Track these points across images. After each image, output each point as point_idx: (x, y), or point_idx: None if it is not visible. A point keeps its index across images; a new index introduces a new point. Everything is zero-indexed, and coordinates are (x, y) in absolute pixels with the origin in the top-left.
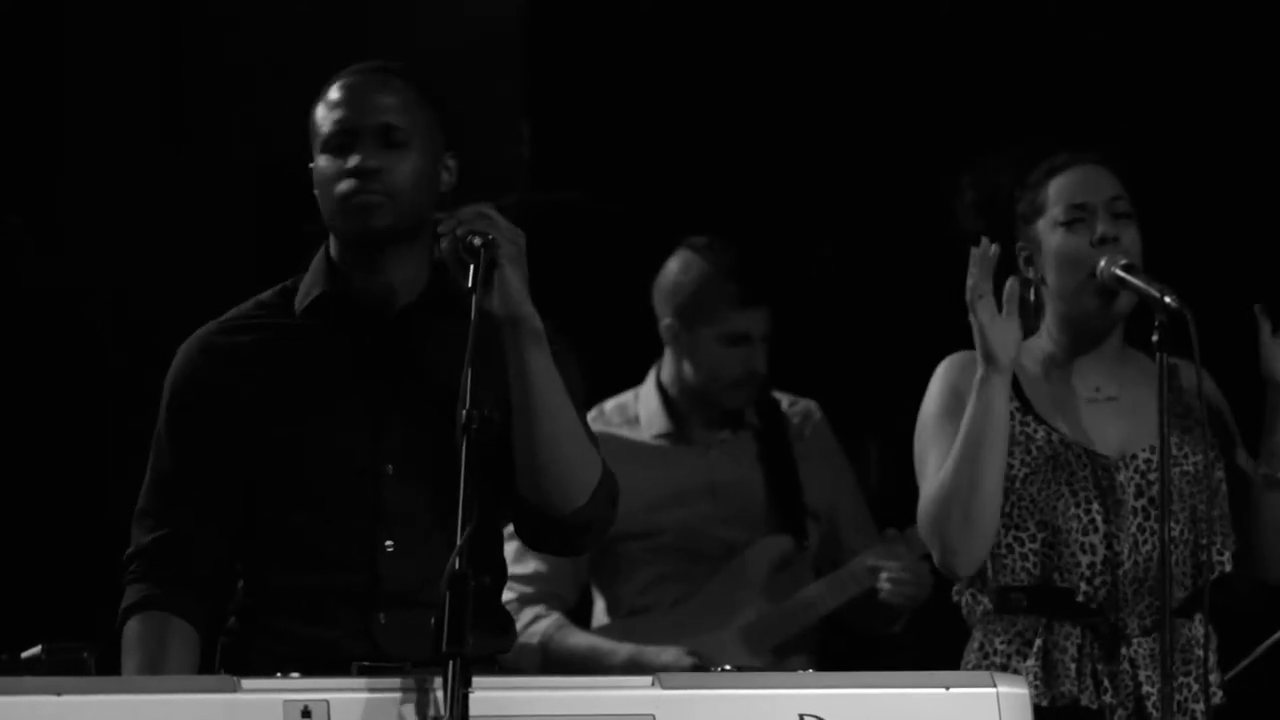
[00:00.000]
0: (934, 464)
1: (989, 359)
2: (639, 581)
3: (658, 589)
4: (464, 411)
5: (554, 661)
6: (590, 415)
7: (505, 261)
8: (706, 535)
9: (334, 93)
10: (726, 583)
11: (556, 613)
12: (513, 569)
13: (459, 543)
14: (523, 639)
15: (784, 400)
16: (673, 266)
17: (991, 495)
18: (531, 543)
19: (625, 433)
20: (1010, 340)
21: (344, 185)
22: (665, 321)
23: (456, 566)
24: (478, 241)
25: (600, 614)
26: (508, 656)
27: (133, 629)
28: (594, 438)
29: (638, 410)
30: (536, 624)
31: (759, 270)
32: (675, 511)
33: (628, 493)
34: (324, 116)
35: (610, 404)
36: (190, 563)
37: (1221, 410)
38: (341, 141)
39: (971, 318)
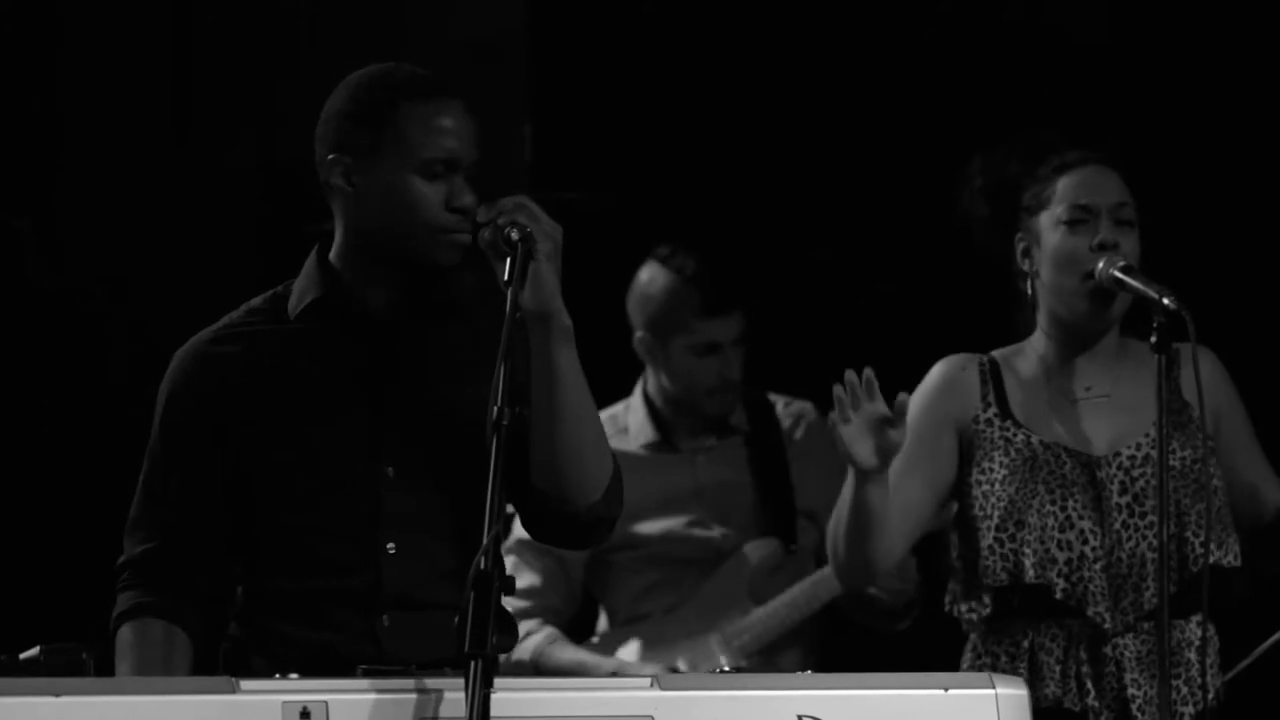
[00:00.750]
0: (895, 473)
1: (853, 467)
2: (632, 590)
3: (650, 597)
4: (495, 408)
5: (545, 676)
6: None
7: (541, 256)
8: (694, 542)
9: (442, 114)
10: (717, 588)
11: (549, 627)
12: None
13: (485, 542)
14: (515, 655)
15: (779, 402)
16: (641, 278)
17: (872, 553)
18: (540, 536)
19: (615, 443)
20: (869, 448)
21: (444, 219)
22: (638, 334)
23: (482, 566)
24: (516, 235)
25: (604, 623)
26: (501, 672)
27: (124, 636)
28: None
29: (628, 421)
30: (528, 640)
31: (724, 277)
32: (663, 520)
33: None
34: (429, 136)
35: (603, 415)
36: (182, 570)
37: (1223, 405)
38: (442, 170)
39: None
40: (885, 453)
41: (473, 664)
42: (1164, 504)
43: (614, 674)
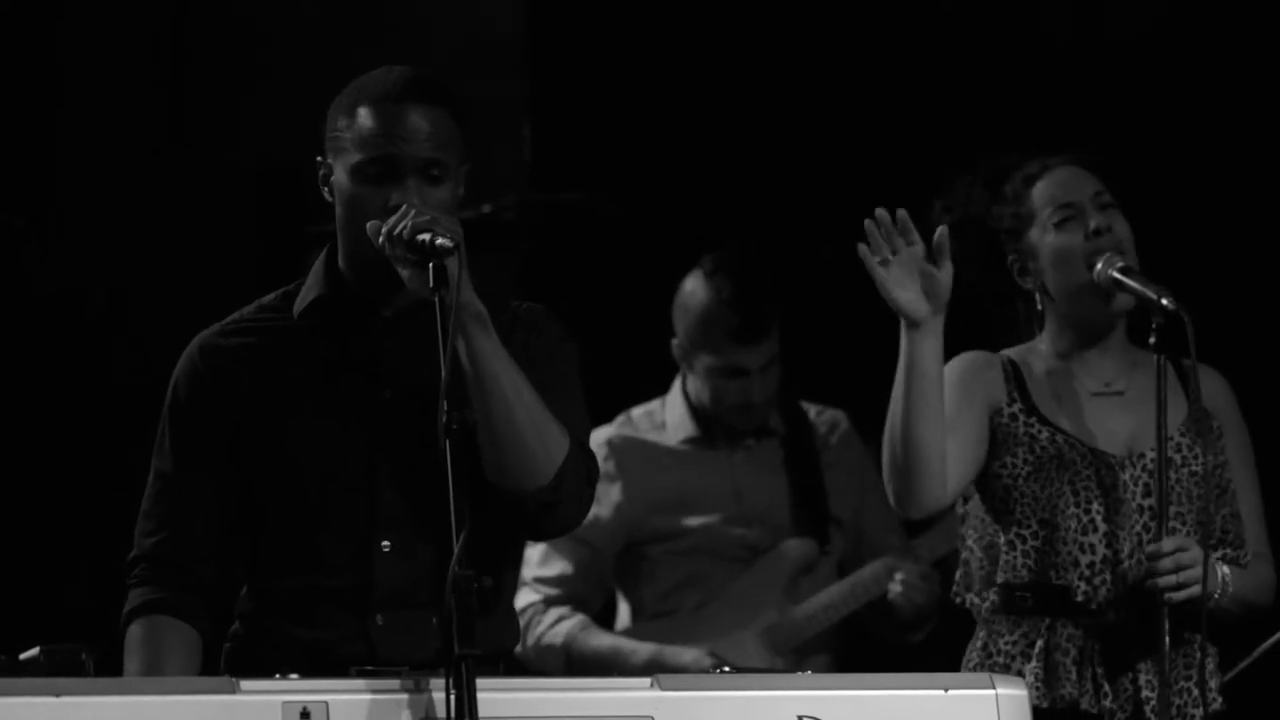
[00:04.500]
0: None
1: (902, 317)
2: (663, 584)
3: (681, 592)
4: (443, 413)
5: (577, 662)
6: (617, 421)
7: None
8: (730, 538)
9: (371, 115)
10: (749, 585)
11: (581, 615)
12: (538, 571)
13: (456, 546)
14: (546, 640)
15: (811, 410)
16: (685, 288)
17: (927, 444)
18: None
19: (652, 437)
20: (915, 293)
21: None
22: (674, 340)
23: (458, 569)
24: (441, 242)
25: (624, 618)
26: (531, 658)
27: (134, 633)
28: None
29: (664, 417)
30: (560, 625)
31: (758, 304)
32: (699, 515)
33: (653, 496)
34: (358, 137)
35: (638, 411)
36: (192, 565)
37: (1225, 425)
38: (379, 171)
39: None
40: (934, 296)
41: (462, 665)
42: (1162, 497)
43: (651, 659)
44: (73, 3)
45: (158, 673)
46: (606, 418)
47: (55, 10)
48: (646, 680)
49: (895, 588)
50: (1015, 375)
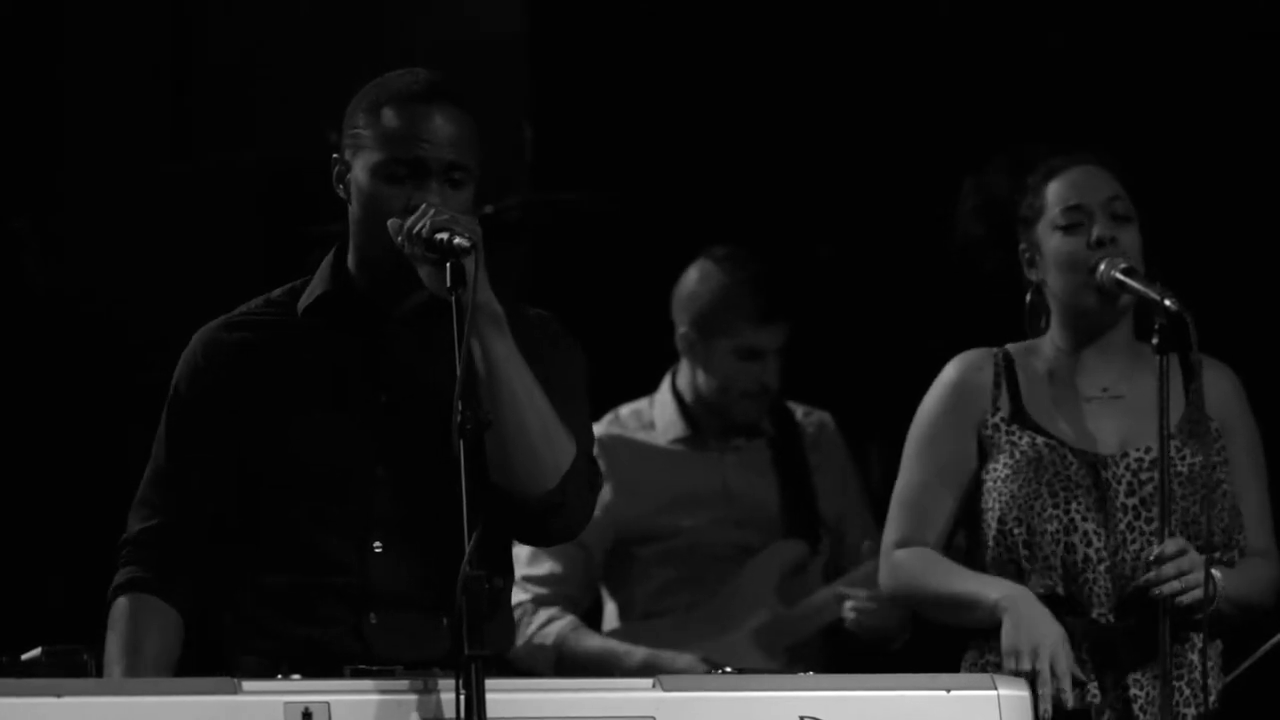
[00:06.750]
0: (913, 474)
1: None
2: (653, 585)
3: (672, 593)
4: (458, 413)
5: (568, 663)
6: (605, 420)
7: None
8: (720, 539)
9: (396, 115)
10: (740, 586)
11: (571, 615)
12: (527, 570)
13: (468, 545)
14: (537, 640)
15: (798, 411)
16: (692, 276)
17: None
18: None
19: (641, 437)
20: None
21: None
22: (681, 330)
23: (470, 569)
24: (458, 241)
25: (611, 617)
26: (521, 658)
27: (118, 608)
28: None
29: (653, 416)
30: (551, 625)
31: (778, 285)
32: (690, 515)
33: (643, 496)
34: (382, 136)
35: (625, 409)
36: (180, 551)
37: (1229, 422)
38: (403, 173)
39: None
40: None
41: (472, 665)
42: (1164, 500)
43: (645, 663)
44: (77, 6)
45: (137, 648)
46: (593, 416)
47: (59, 13)
48: (648, 681)
49: (848, 614)
50: (1007, 375)
